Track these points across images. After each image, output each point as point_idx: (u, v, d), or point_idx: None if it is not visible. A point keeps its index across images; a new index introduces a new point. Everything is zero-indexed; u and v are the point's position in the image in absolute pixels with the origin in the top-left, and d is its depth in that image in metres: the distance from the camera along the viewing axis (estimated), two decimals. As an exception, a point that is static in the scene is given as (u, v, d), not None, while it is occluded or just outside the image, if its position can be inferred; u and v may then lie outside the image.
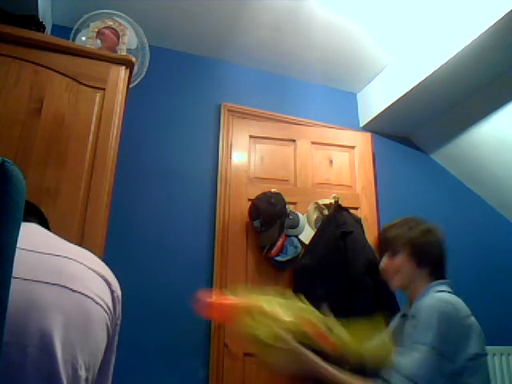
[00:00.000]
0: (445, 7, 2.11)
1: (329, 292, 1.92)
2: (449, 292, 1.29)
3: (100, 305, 0.67)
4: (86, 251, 0.78)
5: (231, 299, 1.13)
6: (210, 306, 1.12)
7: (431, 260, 1.36)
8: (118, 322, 0.74)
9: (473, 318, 1.22)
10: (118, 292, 0.75)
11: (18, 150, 1.34)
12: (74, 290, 0.63)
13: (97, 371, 0.67)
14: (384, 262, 1.41)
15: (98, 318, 0.66)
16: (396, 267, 1.37)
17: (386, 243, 1.42)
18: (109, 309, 0.69)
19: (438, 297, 1.24)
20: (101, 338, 0.67)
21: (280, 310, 1.15)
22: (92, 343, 0.65)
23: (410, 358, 1.12)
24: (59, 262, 0.66)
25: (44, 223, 0.84)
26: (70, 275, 0.65)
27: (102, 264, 0.76)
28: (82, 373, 0.61)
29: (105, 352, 0.69)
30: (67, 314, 0.61)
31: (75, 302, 0.63)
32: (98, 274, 0.71)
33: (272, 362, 1.14)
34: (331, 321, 1.22)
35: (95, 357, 0.65)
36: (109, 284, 0.72)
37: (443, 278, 1.36)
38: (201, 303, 1.12)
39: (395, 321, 1.43)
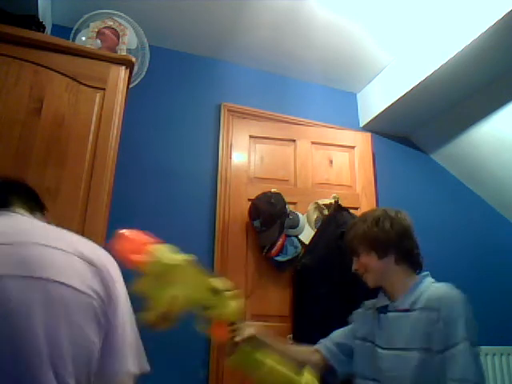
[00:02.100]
0: (445, 7, 2.10)
1: (329, 292, 1.92)
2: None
3: (80, 291, 0.65)
4: (72, 234, 0.76)
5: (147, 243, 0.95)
6: (121, 239, 0.93)
7: (392, 247, 1.31)
8: (120, 300, 0.72)
9: None
10: (113, 272, 0.73)
11: (18, 149, 1.34)
12: (39, 278, 0.62)
13: (92, 361, 0.65)
14: (353, 265, 1.38)
15: (76, 304, 0.64)
16: (364, 267, 1.34)
17: (349, 246, 1.40)
18: (96, 293, 0.67)
19: (448, 286, 1.23)
20: (84, 325, 0.65)
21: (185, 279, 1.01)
22: (75, 331, 0.63)
23: (459, 362, 1.11)
24: (25, 250, 0.65)
25: (32, 198, 0.84)
26: (35, 262, 0.64)
27: (91, 246, 0.75)
28: (67, 371, 0.61)
29: (106, 334, 0.68)
30: (38, 302, 0.61)
31: (41, 289, 0.62)
32: (83, 257, 0.69)
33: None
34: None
35: (81, 347, 0.64)
36: (96, 266, 0.70)
37: (417, 265, 1.33)
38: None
39: (366, 315, 1.39)
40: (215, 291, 1.04)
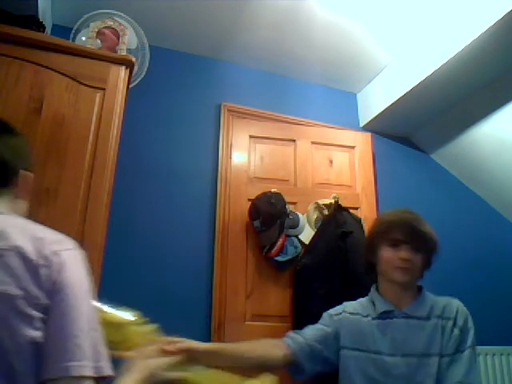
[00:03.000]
0: (445, 7, 2.10)
1: (329, 292, 1.92)
2: None
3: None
4: (19, 222, 0.74)
5: None
6: None
7: (433, 258, 1.36)
8: (66, 288, 0.68)
9: None
10: (64, 258, 0.70)
11: (17, 149, 1.34)
12: None
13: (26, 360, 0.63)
14: (410, 254, 1.29)
15: None
16: (420, 264, 1.31)
17: (421, 237, 1.31)
18: (25, 289, 0.65)
19: (457, 299, 1.33)
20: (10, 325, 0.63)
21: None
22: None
23: (465, 366, 1.19)
24: None
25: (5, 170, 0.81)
26: None
27: (27, 233, 0.71)
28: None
29: (50, 321, 0.65)
30: None
31: None
32: (18, 252, 0.67)
33: None
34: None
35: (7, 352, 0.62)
36: (23, 255, 0.67)
37: None
38: None
39: (352, 322, 1.34)
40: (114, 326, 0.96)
